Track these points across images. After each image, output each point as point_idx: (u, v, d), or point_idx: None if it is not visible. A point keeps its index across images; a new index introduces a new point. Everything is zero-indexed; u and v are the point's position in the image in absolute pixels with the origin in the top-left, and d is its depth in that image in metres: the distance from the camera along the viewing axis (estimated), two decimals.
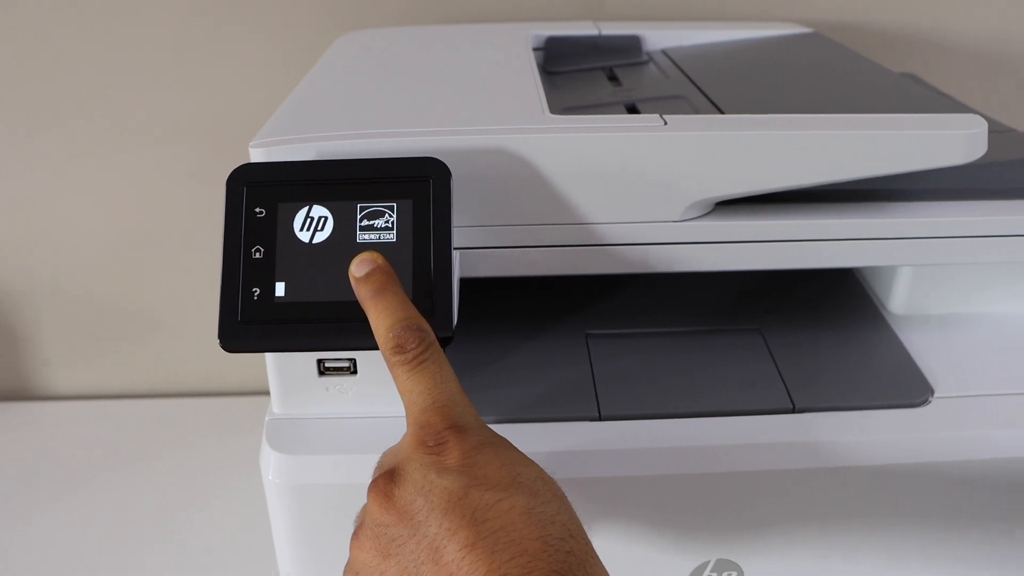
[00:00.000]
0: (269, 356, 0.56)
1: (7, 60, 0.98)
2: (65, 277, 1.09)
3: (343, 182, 0.51)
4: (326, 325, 0.49)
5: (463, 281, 0.56)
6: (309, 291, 0.50)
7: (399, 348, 0.45)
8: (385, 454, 0.46)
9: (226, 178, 0.51)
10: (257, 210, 0.51)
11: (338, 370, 0.56)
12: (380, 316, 0.47)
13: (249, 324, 0.50)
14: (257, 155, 0.54)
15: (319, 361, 0.56)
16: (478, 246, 0.55)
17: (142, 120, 1.00)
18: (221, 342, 0.50)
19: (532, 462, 0.44)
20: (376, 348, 0.47)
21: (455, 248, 0.50)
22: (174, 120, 1.00)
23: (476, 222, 0.55)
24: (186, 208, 1.04)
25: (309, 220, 0.51)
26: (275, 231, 0.50)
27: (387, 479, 0.43)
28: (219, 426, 1.08)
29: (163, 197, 1.04)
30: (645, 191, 0.55)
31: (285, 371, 0.56)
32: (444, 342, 0.48)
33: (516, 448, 0.45)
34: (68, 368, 1.15)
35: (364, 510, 0.45)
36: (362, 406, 0.57)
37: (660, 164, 0.54)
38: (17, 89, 0.99)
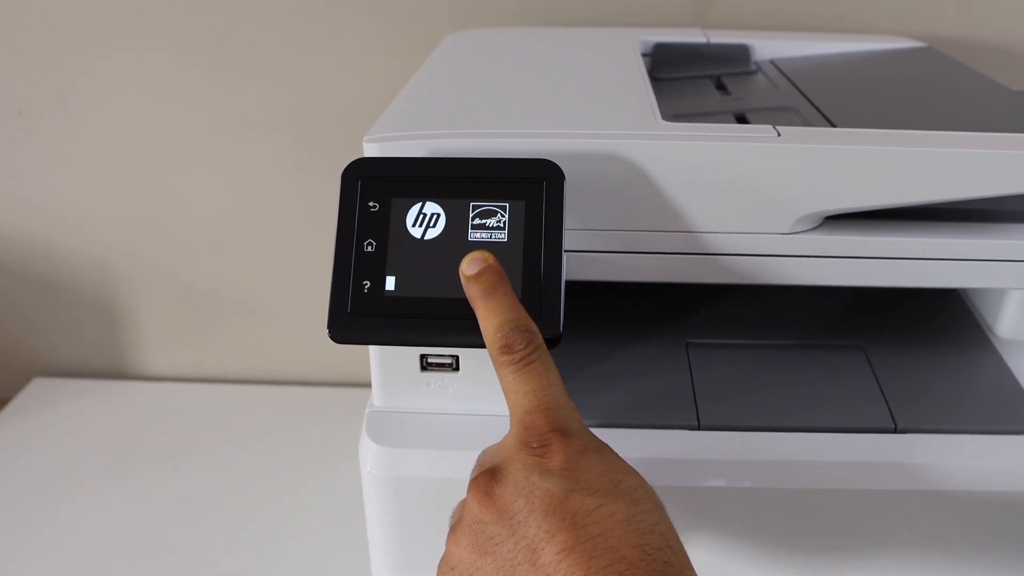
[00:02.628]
0: (373, 348, 0.57)
1: (124, 42, 1.01)
2: (168, 259, 1.12)
3: (457, 180, 0.51)
4: (434, 321, 0.50)
5: (569, 284, 0.56)
6: (419, 286, 0.50)
7: (507, 348, 0.46)
8: (485, 452, 0.47)
9: (340, 171, 0.52)
10: (371, 204, 0.52)
11: (440, 366, 0.57)
12: (489, 316, 0.47)
13: (358, 316, 0.50)
14: (371, 150, 0.55)
15: (422, 356, 0.56)
16: (586, 249, 0.56)
17: (253, 110, 1.02)
18: (330, 332, 0.50)
19: (634, 470, 0.44)
20: (482, 346, 0.48)
21: (565, 251, 0.51)
22: (283, 112, 1.02)
23: (585, 226, 0.55)
24: (290, 198, 1.06)
25: (422, 216, 0.51)
26: (388, 225, 0.51)
27: (488, 477, 0.43)
28: (313, 415, 1.09)
29: (269, 186, 1.06)
30: (755, 202, 0.54)
31: (388, 364, 0.57)
32: (551, 343, 0.48)
33: (618, 455, 0.45)
34: (165, 350, 1.18)
35: (463, 506, 0.45)
36: (462, 403, 0.58)
37: (772, 176, 0.54)
38: (134, 72, 1.02)
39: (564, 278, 0.50)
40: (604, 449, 0.44)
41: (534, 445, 0.43)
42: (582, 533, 0.40)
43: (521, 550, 0.41)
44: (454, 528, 0.45)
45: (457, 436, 0.56)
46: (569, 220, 0.54)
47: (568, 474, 0.42)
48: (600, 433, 0.46)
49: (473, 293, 0.48)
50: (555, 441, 0.43)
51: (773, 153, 0.53)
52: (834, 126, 0.62)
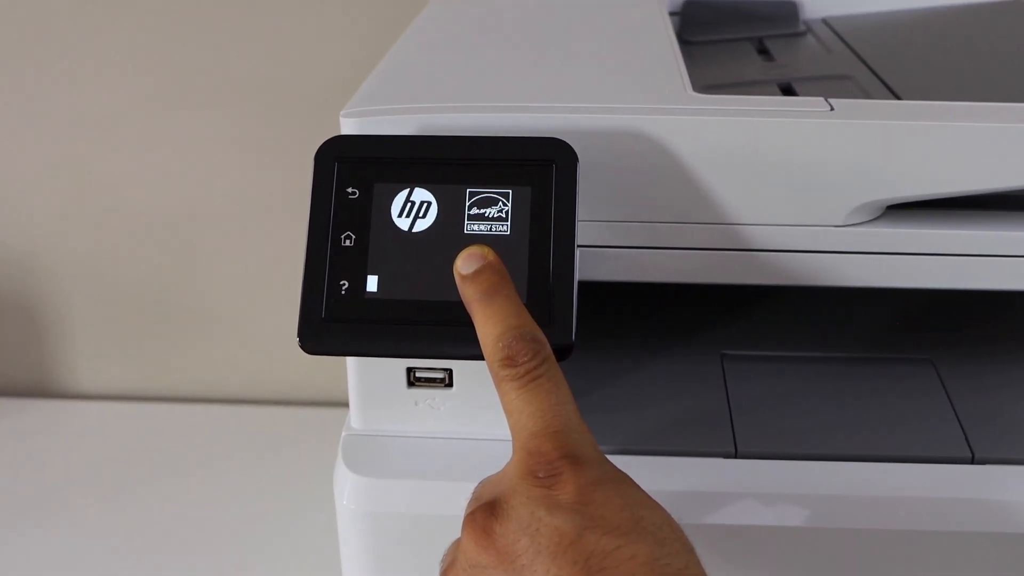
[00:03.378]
0: (351, 361, 0.57)
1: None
2: (103, 254, 1.12)
3: (451, 162, 0.52)
4: (423, 328, 0.50)
5: (582, 285, 0.56)
6: (405, 288, 0.51)
7: (509, 361, 0.46)
8: (483, 483, 0.47)
9: (312, 152, 0.53)
10: (349, 190, 0.52)
11: (431, 381, 0.57)
12: (489, 322, 0.47)
13: (334, 322, 0.51)
14: (349, 126, 0.55)
15: (409, 370, 0.57)
16: (603, 245, 0.56)
17: (207, 78, 1.03)
18: (301, 342, 0.51)
19: (658, 505, 0.44)
20: (480, 358, 0.48)
21: (578, 246, 0.51)
22: (243, 80, 1.03)
23: (602, 217, 0.56)
24: (252, 183, 1.07)
25: (409, 205, 0.52)
26: (369, 216, 0.52)
27: (487, 513, 0.43)
28: (279, 440, 1.10)
29: (226, 169, 1.07)
30: (804, 189, 0.55)
31: (369, 379, 0.58)
32: (562, 354, 0.48)
33: (640, 487, 0.45)
34: (99, 362, 1.18)
35: (456, 547, 0.46)
36: (456, 425, 0.58)
37: (823, 157, 0.54)
38: (61, 32, 1.02)
39: (577, 278, 0.51)
40: (623, 480, 0.45)
41: (541, 475, 0.43)
42: None
43: None
44: (445, 572, 0.46)
45: (449, 464, 0.57)
46: (583, 210, 0.53)
47: (581, 509, 0.42)
48: (618, 461, 0.46)
49: (469, 295, 0.49)
50: (566, 470, 0.43)
51: (825, 130, 0.54)
52: (898, 98, 0.63)
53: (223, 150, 1.05)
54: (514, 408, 0.46)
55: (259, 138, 1.04)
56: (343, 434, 0.59)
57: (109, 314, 1.14)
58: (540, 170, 0.52)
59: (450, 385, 0.57)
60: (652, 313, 0.69)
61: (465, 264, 0.49)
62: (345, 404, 0.60)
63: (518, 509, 0.43)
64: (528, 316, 0.48)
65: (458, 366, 0.57)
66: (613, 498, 0.43)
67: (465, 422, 0.58)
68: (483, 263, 0.49)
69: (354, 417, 0.59)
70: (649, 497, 0.45)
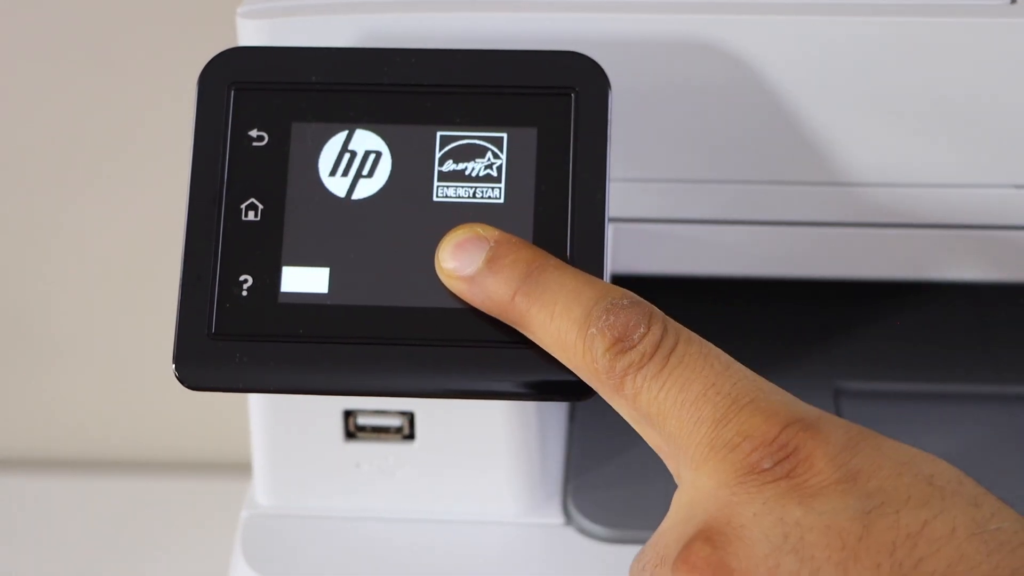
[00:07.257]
0: (256, 400, 0.56)
1: None
2: None
3: (413, 90, 0.51)
4: (370, 349, 0.49)
5: (618, 282, 0.54)
6: (342, 285, 0.50)
7: (622, 343, 0.45)
8: (660, 533, 0.45)
9: (198, 74, 0.51)
10: (254, 134, 0.51)
11: (382, 431, 0.57)
12: (557, 313, 0.46)
13: (229, 340, 0.49)
14: (252, 32, 0.54)
15: (348, 414, 0.57)
16: (650, 218, 0.55)
17: None
18: (178, 370, 0.49)
19: (933, 456, 0.44)
20: (463, 395, 0.48)
21: (610, 220, 0.50)
22: None
23: (648, 175, 0.55)
24: (102, 128, 1.06)
25: (348, 157, 0.51)
26: (285, 174, 0.51)
27: (710, 546, 0.42)
28: (150, 520, 1.10)
29: (67, 101, 1.05)
30: (968, 130, 0.54)
31: (284, 430, 0.57)
32: (582, 389, 0.47)
33: (894, 440, 0.44)
34: None
35: None
36: (421, 499, 0.58)
37: (1001, 78, 0.53)
38: None
39: (609, 270, 0.50)
40: (872, 434, 0.44)
41: (768, 464, 0.43)
42: None
43: None
44: None
45: (411, 562, 0.57)
46: (618, 165, 0.52)
47: (850, 488, 0.42)
48: None
49: (500, 296, 0.47)
50: (803, 443, 0.43)
51: (1006, 35, 0.53)
52: None
53: (56, 70, 1.05)
54: (665, 407, 0.45)
55: (105, 58, 1.04)
56: (243, 514, 0.60)
57: None
58: (552, 102, 0.51)
59: (411, 437, 0.58)
60: (728, 326, 0.67)
61: (458, 257, 0.48)
62: (247, 468, 0.59)
63: (758, 522, 0.42)
64: (605, 281, 0.47)
65: (423, 408, 0.57)
66: (881, 460, 0.43)
67: (435, 494, 0.59)
68: (490, 245, 0.47)
69: (261, 488, 0.60)
70: (917, 450, 0.44)
